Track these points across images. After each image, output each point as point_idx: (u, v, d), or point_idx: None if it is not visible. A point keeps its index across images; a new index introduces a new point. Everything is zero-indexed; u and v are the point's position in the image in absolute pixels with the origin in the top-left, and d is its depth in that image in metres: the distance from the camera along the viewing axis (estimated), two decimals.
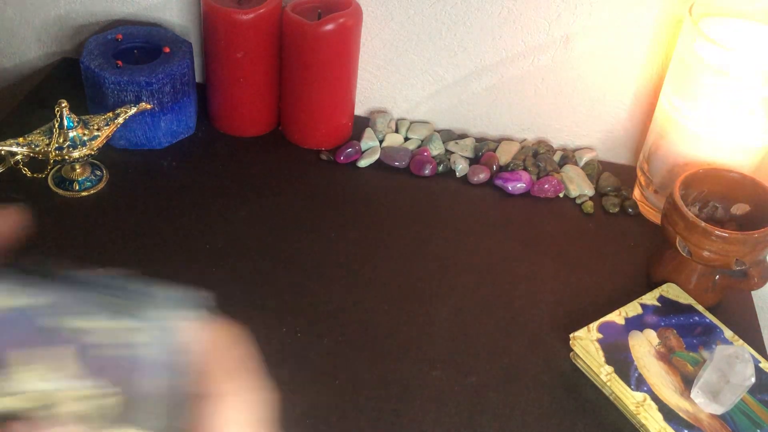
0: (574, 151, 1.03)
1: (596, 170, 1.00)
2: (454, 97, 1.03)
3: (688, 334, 0.77)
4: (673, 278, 0.83)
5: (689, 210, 0.78)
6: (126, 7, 1.02)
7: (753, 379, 0.69)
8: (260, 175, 0.95)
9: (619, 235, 0.92)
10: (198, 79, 1.03)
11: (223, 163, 0.96)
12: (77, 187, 0.89)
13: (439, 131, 1.03)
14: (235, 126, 0.99)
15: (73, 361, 0.31)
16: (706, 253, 0.77)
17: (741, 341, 0.78)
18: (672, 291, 0.82)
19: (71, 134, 0.84)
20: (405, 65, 1.01)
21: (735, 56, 0.79)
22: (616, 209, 0.95)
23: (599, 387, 0.74)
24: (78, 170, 0.89)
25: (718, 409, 0.70)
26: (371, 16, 0.97)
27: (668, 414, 0.70)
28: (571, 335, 0.76)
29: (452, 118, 1.05)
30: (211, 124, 1.01)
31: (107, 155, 0.91)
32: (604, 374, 0.73)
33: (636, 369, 0.73)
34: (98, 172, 0.91)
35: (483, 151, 1.00)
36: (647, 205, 0.94)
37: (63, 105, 0.83)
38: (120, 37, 0.95)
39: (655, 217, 0.93)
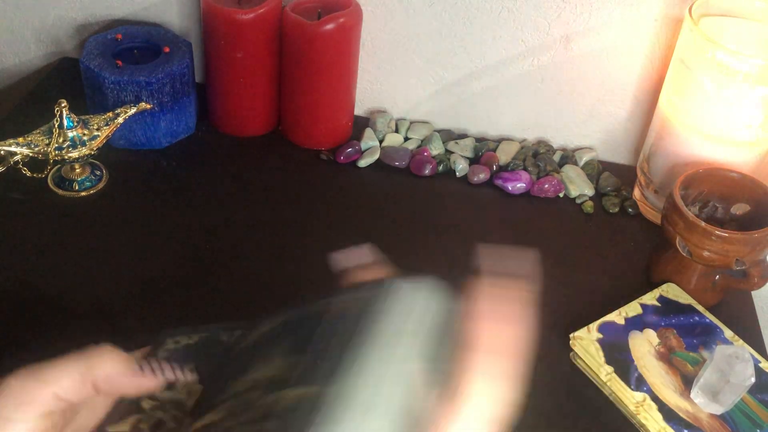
0: (574, 151, 1.03)
1: (596, 170, 1.00)
2: (454, 97, 1.03)
3: (688, 334, 0.77)
4: (673, 278, 0.83)
5: (689, 210, 0.78)
6: (126, 7, 1.02)
7: (753, 379, 0.69)
8: (260, 175, 0.95)
9: (619, 235, 0.92)
10: (198, 79, 1.03)
11: (223, 163, 0.96)
12: (77, 187, 0.89)
13: (439, 131, 1.03)
14: (235, 126, 0.99)
15: None
16: (706, 253, 0.77)
17: (741, 341, 0.78)
18: (672, 291, 0.82)
19: (71, 134, 0.84)
20: (405, 65, 1.01)
21: (735, 56, 0.79)
22: (616, 209, 0.95)
23: (599, 387, 0.74)
24: (78, 170, 0.89)
25: (718, 409, 0.70)
26: (371, 16, 0.97)
27: (668, 414, 0.70)
28: (571, 335, 0.76)
29: (452, 118, 1.05)
30: (211, 124, 1.01)
31: (107, 155, 0.91)
32: (604, 374, 0.73)
33: (636, 369, 0.73)
34: (98, 172, 0.91)
35: (483, 151, 1.00)
36: (647, 205, 0.94)
37: (63, 105, 0.83)
38: (120, 36, 0.95)
39: (655, 217, 0.93)
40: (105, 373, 0.38)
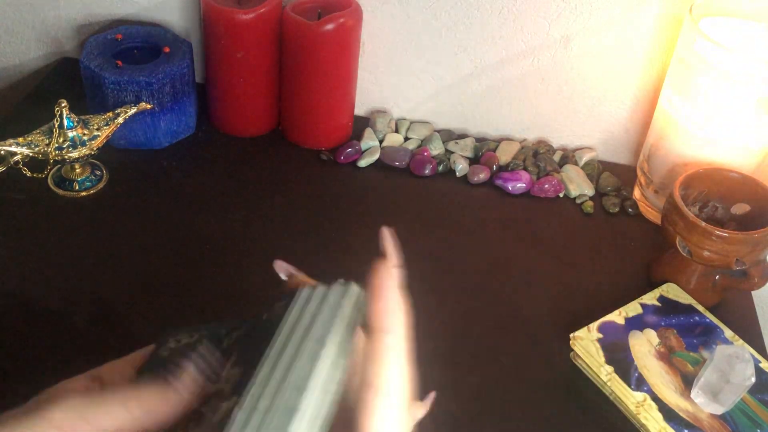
0: (574, 150, 1.03)
1: (596, 170, 1.00)
2: (454, 97, 1.03)
3: (689, 334, 0.77)
4: (673, 278, 0.83)
5: (689, 210, 0.78)
6: (126, 7, 1.02)
7: (753, 379, 0.69)
8: (260, 175, 0.95)
9: (619, 235, 0.92)
10: (198, 79, 1.02)
11: (223, 163, 0.96)
12: (77, 187, 0.89)
13: (439, 131, 1.03)
14: (235, 126, 0.99)
15: None
16: (706, 253, 0.77)
17: (741, 341, 0.78)
18: (672, 291, 0.82)
19: (71, 134, 0.84)
20: (405, 65, 1.01)
21: (735, 56, 0.79)
22: (616, 209, 0.95)
23: (599, 387, 0.74)
24: (78, 170, 0.89)
25: (718, 409, 0.70)
26: (371, 16, 0.97)
27: (668, 414, 0.70)
28: (571, 335, 0.76)
29: (452, 118, 1.05)
30: (211, 124, 1.01)
31: (107, 155, 0.91)
32: (604, 374, 0.73)
33: (636, 369, 0.73)
34: (98, 172, 0.91)
35: (483, 150, 1.00)
36: (647, 205, 0.94)
37: (63, 105, 0.83)
38: (120, 37, 0.95)
39: (655, 217, 0.93)
40: (148, 411, 0.39)
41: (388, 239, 0.41)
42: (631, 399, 0.71)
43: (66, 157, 0.84)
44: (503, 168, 0.99)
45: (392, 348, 0.36)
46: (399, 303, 0.38)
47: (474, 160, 1.00)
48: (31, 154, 0.83)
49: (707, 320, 0.79)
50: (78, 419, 0.38)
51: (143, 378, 0.42)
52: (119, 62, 0.91)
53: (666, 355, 0.75)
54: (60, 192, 0.88)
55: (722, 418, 0.70)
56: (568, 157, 1.01)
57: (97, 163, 0.91)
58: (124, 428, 0.39)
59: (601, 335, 0.76)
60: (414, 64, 1.00)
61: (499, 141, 1.02)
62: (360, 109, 1.05)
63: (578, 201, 0.96)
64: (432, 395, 0.37)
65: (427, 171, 0.96)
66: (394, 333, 0.36)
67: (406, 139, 1.02)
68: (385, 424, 0.35)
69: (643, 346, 0.76)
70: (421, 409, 0.46)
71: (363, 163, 0.97)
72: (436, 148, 1.00)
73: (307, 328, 0.38)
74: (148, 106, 0.90)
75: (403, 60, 1.00)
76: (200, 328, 0.46)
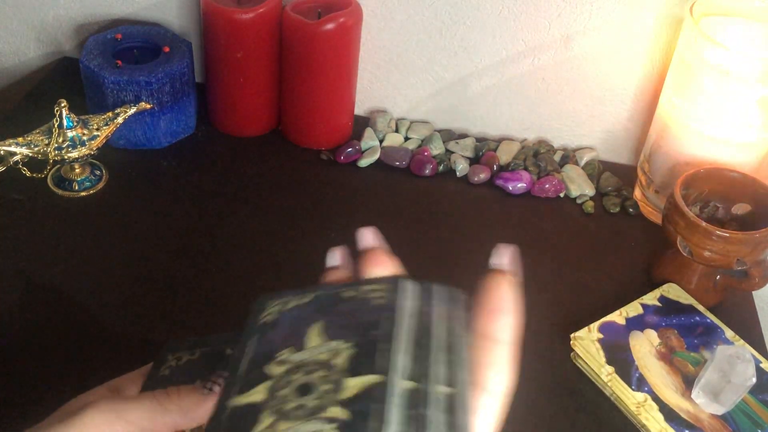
0: (575, 150, 1.03)
1: (597, 170, 1.00)
2: (454, 97, 1.02)
3: (689, 334, 0.77)
4: (674, 278, 0.83)
5: (690, 210, 0.78)
6: (126, 6, 1.02)
7: (754, 379, 0.69)
8: (260, 175, 0.95)
9: (620, 235, 0.92)
10: (198, 79, 1.02)
11: (223, 163, 0.96)
12: (76, 187, 0.89)
13: (439, 131, 1.03)
14: (235, 126, 0.99)
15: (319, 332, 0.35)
16: (707, 253, 0.77)
17: (742, 341, 0.78)
18: (673, 291, 0.82)
19: (70, 134, 0.84)
20: (405, 65, 1.01)
21: (735, 56, 0.79)
22: (617, 209, 0.95)
23: (600, 387, 0.74)
24: (77, 170, 0.89)
25: (719, 409, 0.70)
26: (371, 15, 0.97)
27: (669, 414, 0.70)
28: (571, 335, 0.76)
29: (452, 118, 1.04)
30: (211, 124, 1.01)
31: (107, 155, 0.91)
32: (604, 374, 0.73)
33: (637, 369, 0.73)
34: (98, 172, 0.91)
35: (483, 150, 1.00)
36: (648, 205, 0.94)
37: (62, 105, 0.83)
38: (120, 36, 0.95)
39: (655, 217, 0.93)
40: (183, 410, 0.39)
41: (508, 255, 0.41)
42: (631, 399, 0.71)
43: (66, 157, 0.84)
44: (504, 168, 0.98)
45: (503, 356, 0.37)
46: (514, 315, 0.38)
47: (474, 160, 1.00)
48: (30, 154, 0.83)
49: (708, 320, 0.79)
50: (116, 419, 0.38)
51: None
52: (119, 62, 0.91)
53: (667, 356, 0.75)
54: (59, 192, 0.88)
55: (723, 418, 0.70)
56: (568, 157, 1.01)
57: (97, 163, 0.91)
58: (161, 429, 0.39)
59: (601, 335, 0.76)
60: (414, 63, 1.00)
61: (499, 141, 1.02)
62: (360, 109, 1.05)
63: (579, 201, 0.96)
64: None
65: (427, 171, 0.96)
66: (506, 343, 0.37)
67: (407, 138, 1.02)
68: (486, 423, 0.35)
69: (644, 346, 0.75)
70: None
71: (363, 163, 0.97)
72: (436, 148, 1.00)
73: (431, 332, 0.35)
74: (148, 106, 0.89)
75: (403, 60, 1.00)
76: (199, 343, 0.45)
